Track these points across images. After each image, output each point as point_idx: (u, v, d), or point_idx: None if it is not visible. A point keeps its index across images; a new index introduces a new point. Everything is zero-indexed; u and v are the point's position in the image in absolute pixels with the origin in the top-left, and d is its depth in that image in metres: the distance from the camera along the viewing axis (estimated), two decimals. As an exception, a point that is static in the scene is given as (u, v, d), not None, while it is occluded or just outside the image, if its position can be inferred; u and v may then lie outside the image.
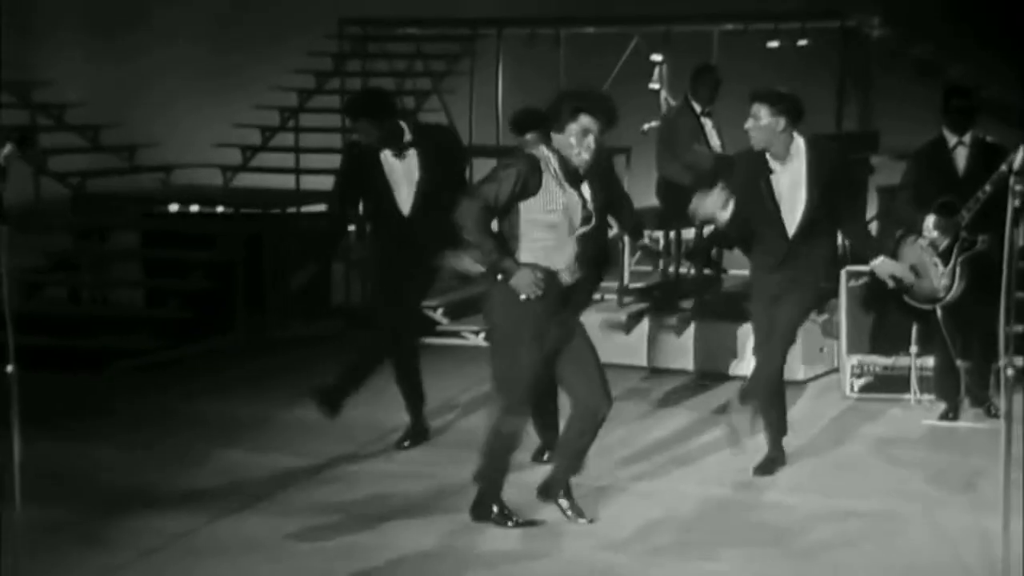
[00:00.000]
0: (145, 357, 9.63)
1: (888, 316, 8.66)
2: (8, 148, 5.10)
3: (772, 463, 7.08)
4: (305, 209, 11.40)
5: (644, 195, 11.54)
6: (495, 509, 6.19)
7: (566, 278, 5.96)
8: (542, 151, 5.90)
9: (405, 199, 7.16)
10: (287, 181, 12.69)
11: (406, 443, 7.50)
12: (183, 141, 12.91)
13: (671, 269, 10.21)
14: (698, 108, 9.86)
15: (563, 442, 6.24)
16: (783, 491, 6.85)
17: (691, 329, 9.28)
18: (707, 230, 7.51)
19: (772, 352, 6.89)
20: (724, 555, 5.97)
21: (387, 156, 7.15)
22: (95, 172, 12.09)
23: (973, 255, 7.70)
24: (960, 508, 6.56)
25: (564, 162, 5.85)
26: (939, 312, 7.96)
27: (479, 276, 6.33)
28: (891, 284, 6.99)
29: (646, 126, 11.47)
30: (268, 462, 7.28)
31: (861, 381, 8.71)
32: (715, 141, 9.88)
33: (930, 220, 7.68)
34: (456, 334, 10.16)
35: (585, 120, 5.82)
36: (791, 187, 6.71)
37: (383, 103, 7.22)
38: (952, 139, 7.83)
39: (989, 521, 6.07)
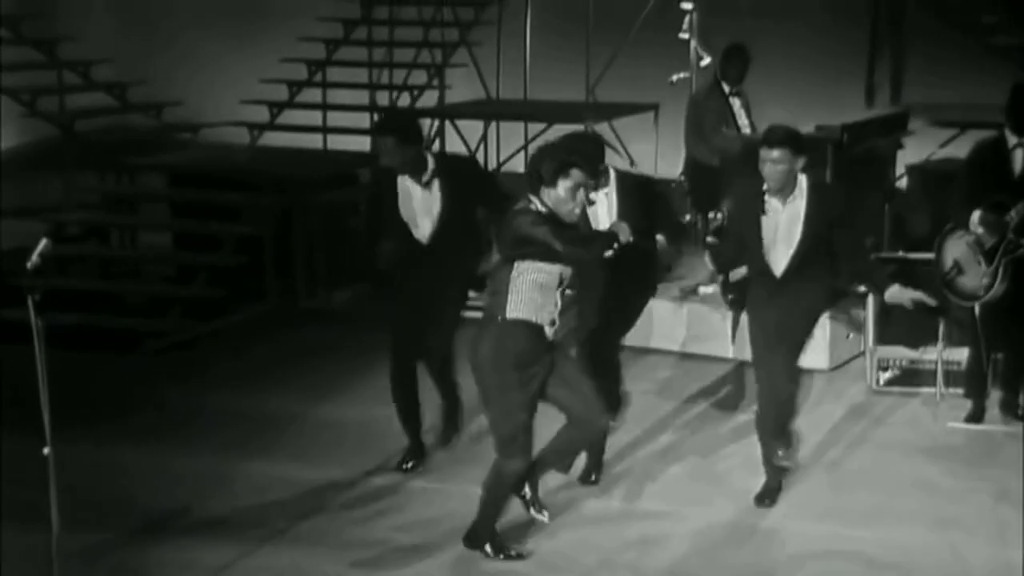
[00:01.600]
0: (176, 335, 9.72)
1: (916, 307, 8.66)
2: (44, 244, 5.15)
3: (772, 492, 7.06)
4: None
5: (673, 156, 11.51)
6: (487, 542, 6.33)
7: (550, 334, 6.00)
8: (537, 207, 5.87)
9: (425, 229, 7.10)
10: (315, 140, 12.66)
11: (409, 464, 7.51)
12: (210, 98, 12.89)
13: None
14: (727, 88, 9.78)
15: (550, 448, 6.28)
16: (786, 516, 6.86)
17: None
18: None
19: (778, 390, 6.86)
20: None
21: (409, 184, 7.07)
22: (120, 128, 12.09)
23: (1018, 257, 7.65)
24: (983, 539, 6.59)
25: (555, 217, 5.84)
26: (977, 310, 7.94)
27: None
28: (909, 306, 6.98)
29: (675, 77, 11.35)
30: (300, 475, 7.36)
31: (887, 375, 8.74)
32: (743, 120, 9.81)
33: (977, 216, 7.64)
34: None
35: (577, 175, 5.80)
36: (788, 225, 6.69)
37: (409, 125, 7.15)
38: (1012, 139, 7.75)
39: (1012, 554, 6.17)
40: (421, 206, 7.07)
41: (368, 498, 7.11)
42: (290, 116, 12.89)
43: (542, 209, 5.85)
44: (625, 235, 5.97)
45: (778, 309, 6.75)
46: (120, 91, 12.56)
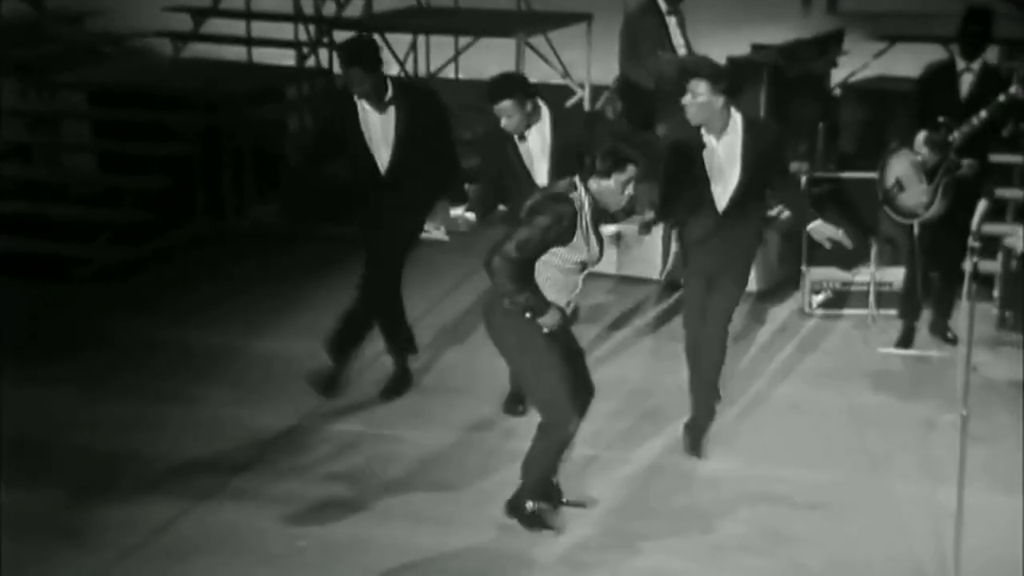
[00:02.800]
0: (104, 260, 9.58)
1: (848, 228, 8.71)
2: None
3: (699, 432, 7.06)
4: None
5: (607, 69, 11.38)
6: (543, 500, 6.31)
7: (567, 310, 6.03)
8: (580, 194, 5.86)
9: (383, 156, 7.13)
10: (239, 53, 12.40)
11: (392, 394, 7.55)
12: (131, 5, 12.54)
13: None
14: (664, 6, 9.60)
15: (529, 459, 6.24)
16: (721, 458, 6.91)
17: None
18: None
19: (711, 345, 6.88)
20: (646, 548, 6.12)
21: (367, 109, 7.07)
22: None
23: (957, 177, 7.73)
24: (913, 475, 6.70)
25: (595, 204, 5.87)
26: (915, 229, 8.03)
27: None
28: (828, 246, 7.04)
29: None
30: (237, 418, 7.32)
31: (820, 297, 8.81)
32: (679, 40, 9.65)
33: (921, 136, 7.72)
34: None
35: (632, 169, 5.83)
36: (726, 162, 6.68)
37: (376, 54, 7.08)
38: (961, 63, 7.82)
39: (943, 491, 6.24)
40: (379, 131, 7.11)
41: (306, 445, 7.08)
42: (214, 26, 12.60)
43: (585, 200, 5.84)
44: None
45: (718, 250, 6.76)
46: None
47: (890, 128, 8.19)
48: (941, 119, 7.66)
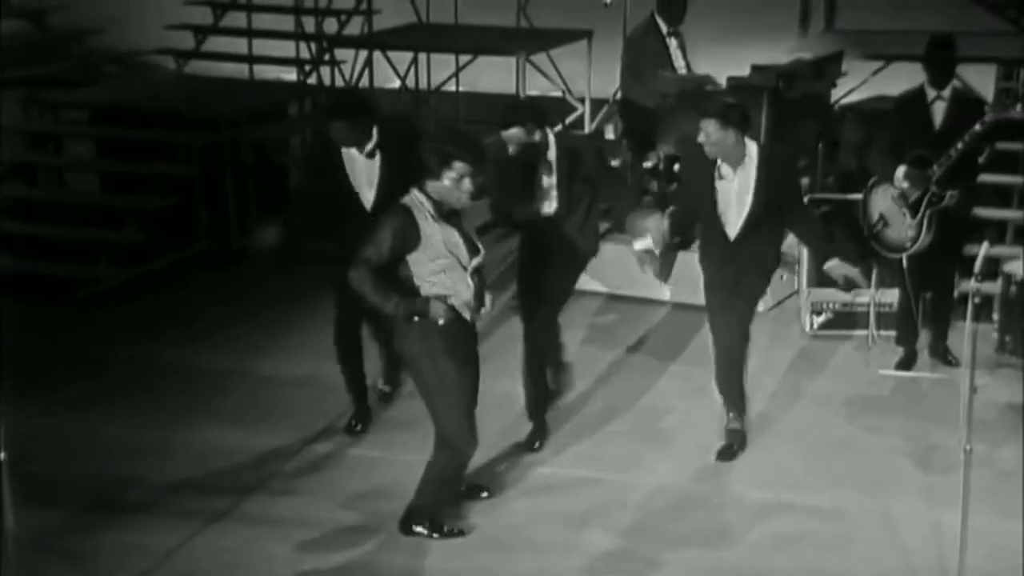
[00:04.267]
0: (106, 282, 9.61)
1: (848, 249, 8.76)
2: None
3: (732, 448, 7.25)
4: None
5: (607, 83, 11.44)
6: (425, 522, 6.42)
7: (467, 314, 6.12)
8: (415, 198, 6.02)
9: (368, 196, 7.12)
10: (241, 70, 12.44)
11: (358, 427, 7.55)
12: (135, 24, 12.59)
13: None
14: (664, 28, 9.68)
15: (427, 479, 6.37)
16: (723, 481, 6.98)
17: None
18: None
19: (732, 348, 7.07)
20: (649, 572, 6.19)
21: (353, 154, 7.09)
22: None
23: (941, 209, 7.78)
24: (916, 499, 6.75)
25: (439, 204, 6.01)
26: (904, 261, 8.08)
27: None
28: (842, 284, 7.14)
29: (610, -1, 11.30)
30: (241, 442, 7.36)
31: (820, 318, 8.86)
32: (680, 63, 9.72)
33: (901, 171, 7.76)
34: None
35: (459, 166, 5.97)
36: (740, 192, 6.84)
37: (365, 106, 7.17)
38: (931, 92, 7.84)
39: (945, 515, 6.29)
40: (363, 175, 7.12)
41: (310, 468, 7.14)
42: (216, 43, 12.64)
43: (423, 200, 6.01)
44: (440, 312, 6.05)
45: (732, 270, 6.93)
46: (39, 17, 12.22)
47: (867, 159, 8.21)
48: (919, 152, 7.69)
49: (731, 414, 7.26)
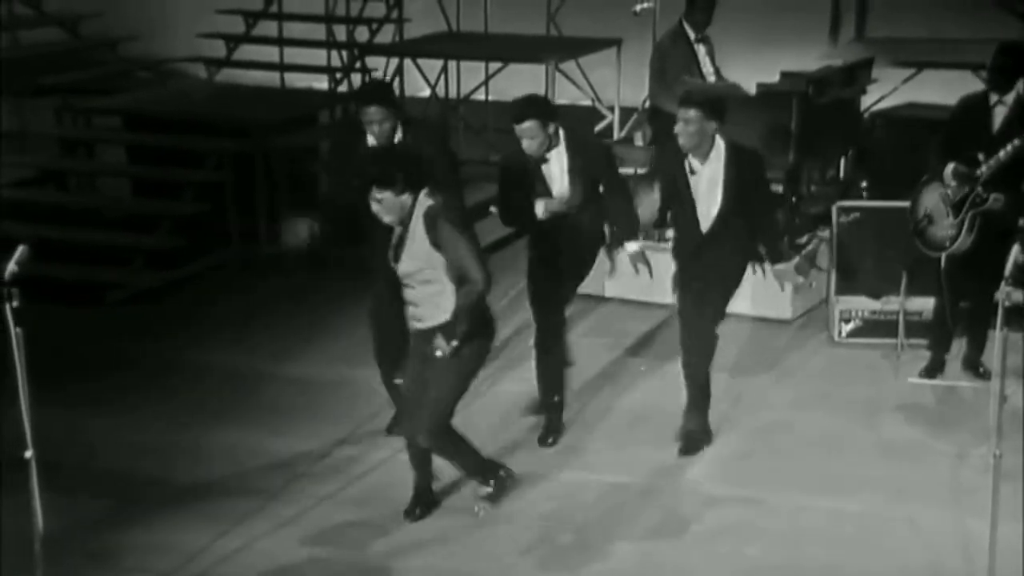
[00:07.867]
0: (138, 286, 9.67)
1: (879, 256, 8.76)
2: (21, 251, 5.05)
3: (695, 440, 7.30)
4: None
5: (636, 91, 11.46)
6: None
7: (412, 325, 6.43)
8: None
9: None
10: (272, 78, 12.52)
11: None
12: (168, 31, 12.69)
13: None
14: (692, 35, 9.68)
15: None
16: (749, 486, 6.95)
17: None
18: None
19: (703, 339, 7.16)
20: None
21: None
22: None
23: (983, 211, 7.73)
24: (941, 509, 6.68)
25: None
26: (942, 262, 8.03)
27: None
28: (783, 290, 7.18)
29: (638, 7, 11.30)
30: (270, 445, 7.40)
31: (849, 326, 8.83)
32: (708, 68, 9.72)
33: (950, 168, 7.74)
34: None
35: (401, 183, 6.16)
36: (709, 186, 6.99)
37: (392, 94, 7.22)
38: (994, 97, 7.81)
39: (972, 526, 6.27)
40: None
41: (338, 471, 7.14)
42: (247, 52, 12.73)
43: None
44: None
45: (705, 262, 7.05)
46: (72, 24, 12.32)
47: (920, 160, 8.17)
48: (971, 153, 7.66)
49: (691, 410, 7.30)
